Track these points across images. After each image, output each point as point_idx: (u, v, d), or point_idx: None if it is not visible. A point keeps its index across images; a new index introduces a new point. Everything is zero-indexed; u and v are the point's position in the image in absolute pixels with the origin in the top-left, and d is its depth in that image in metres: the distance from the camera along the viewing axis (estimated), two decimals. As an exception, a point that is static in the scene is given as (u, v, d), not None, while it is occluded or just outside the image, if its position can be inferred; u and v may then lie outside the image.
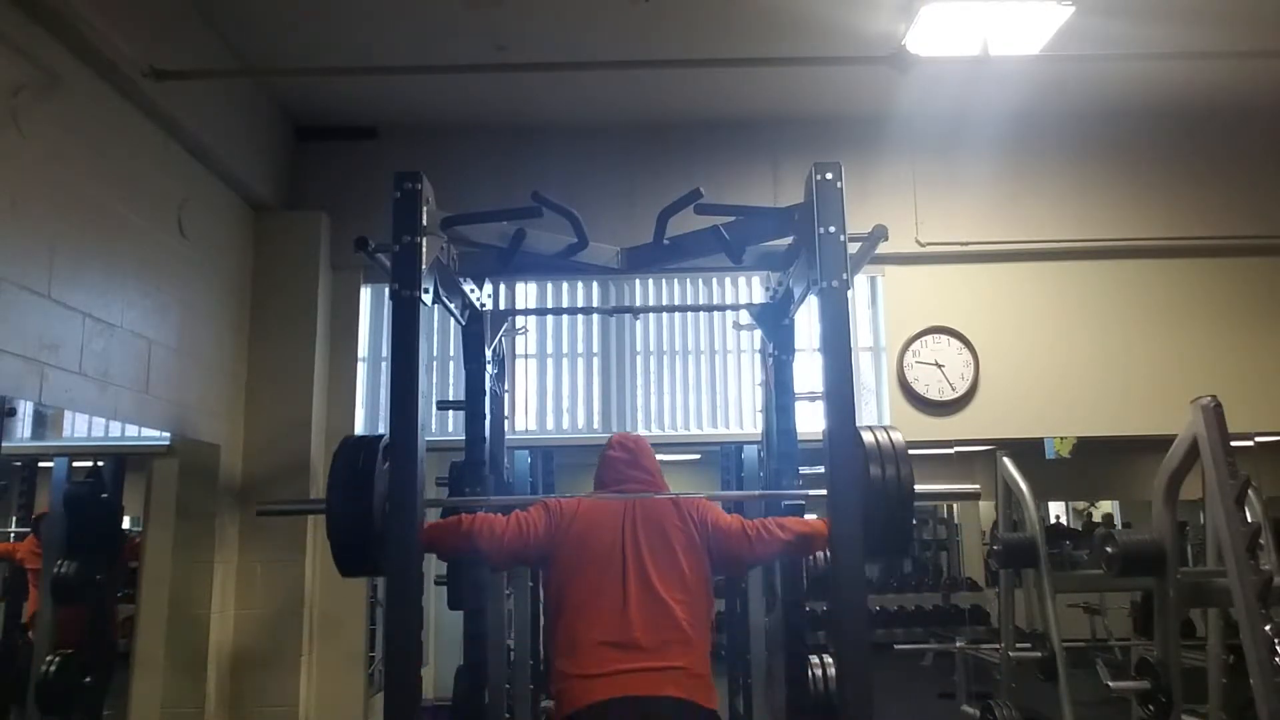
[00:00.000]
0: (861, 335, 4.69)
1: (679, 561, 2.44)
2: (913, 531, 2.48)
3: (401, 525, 2.21)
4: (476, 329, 3.15)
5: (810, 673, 2.88)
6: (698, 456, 6.64)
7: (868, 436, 2.47)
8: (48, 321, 2.90)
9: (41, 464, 4.07)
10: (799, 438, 3.10)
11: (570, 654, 2.37)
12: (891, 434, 2.49)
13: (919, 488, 2.43)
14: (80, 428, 3.88)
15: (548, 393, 4.68)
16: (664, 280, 4.71)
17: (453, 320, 3.13)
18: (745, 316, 3.63)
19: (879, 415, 4.59)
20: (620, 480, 2.64)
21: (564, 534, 2.48)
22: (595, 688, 2.29)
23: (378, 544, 2.37)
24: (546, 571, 2.53)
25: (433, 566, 3.28)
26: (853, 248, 2.39)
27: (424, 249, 2.33)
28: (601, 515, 2.51)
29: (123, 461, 4.14)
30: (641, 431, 4.62)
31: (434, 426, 4.42)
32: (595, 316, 4.67)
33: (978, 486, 2.88)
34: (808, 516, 2.74)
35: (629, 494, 2.57)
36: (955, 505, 8.49)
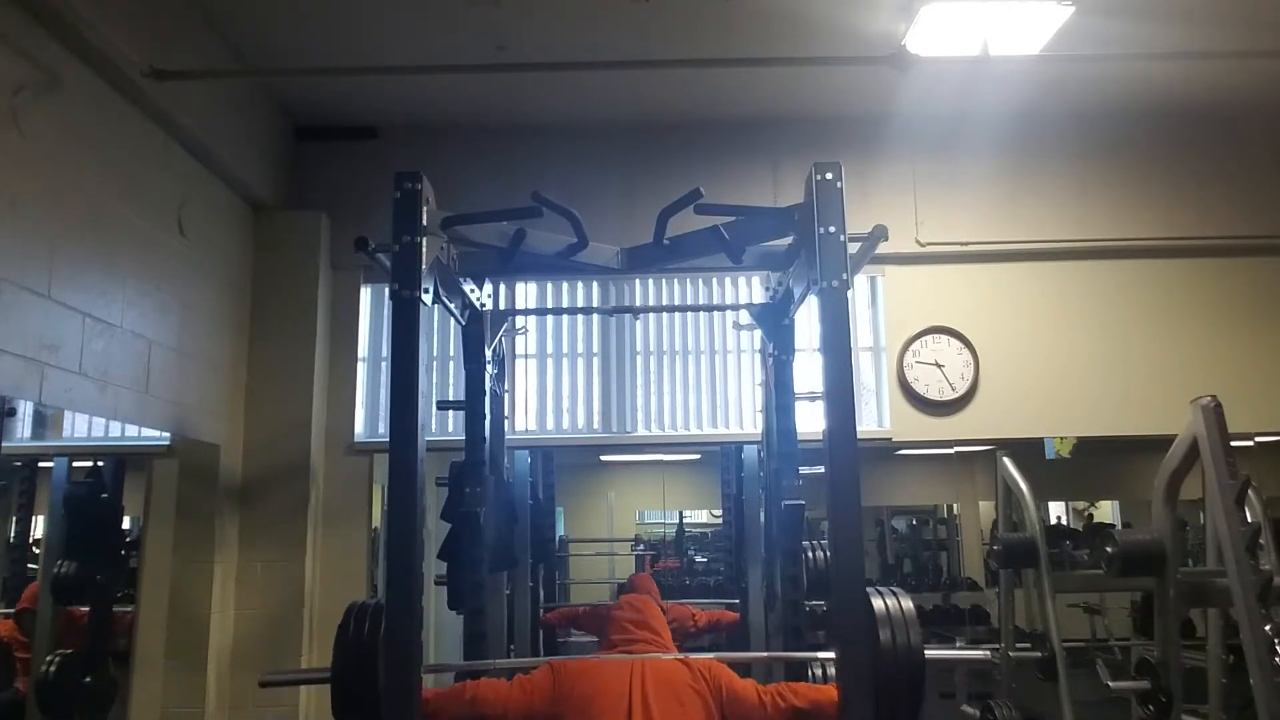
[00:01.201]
0: (861, 335, 4.69)
1: None
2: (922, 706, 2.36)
3: (402, 525, 2.21)
4: (476, 329, 3.15)
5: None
6: (698, 456, 6.64)
7: (878, 603, 2.29)
8: (48, 321, 2.90)
9: (41, 464, 4.08)
10: (799, 438, 3.10)
11: None
12: (902, 600, 2.31)
13: (930, 653, 2.30)
14: (80, 428, 3.88)
15: (548, 393, 4.68)
16: (664, 280, 4.71)
17: (453, 320, 3.13)
18: (745, 316, 3.64)
19: (879, 415, 4.59)
20: (628, 641, 2.63)
21: (569, 695, 2.45)
22: None
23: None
24: None
25: (433, 567, 3.27)
26: (853, 248, 2.38)
27: (424, 249, 2.33)
28: (608, 676, 2.48)
29: (123, 461, 4.14)
30: (641, 431, 4.63)
31: (434, 426, 4.42)
32: (595, 316, 4.67)
33: (987, 654, 2.79)
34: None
35: (637, 655, 2.55)
36: (955, 505, 8.49)
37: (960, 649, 3.01)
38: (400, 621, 2.14)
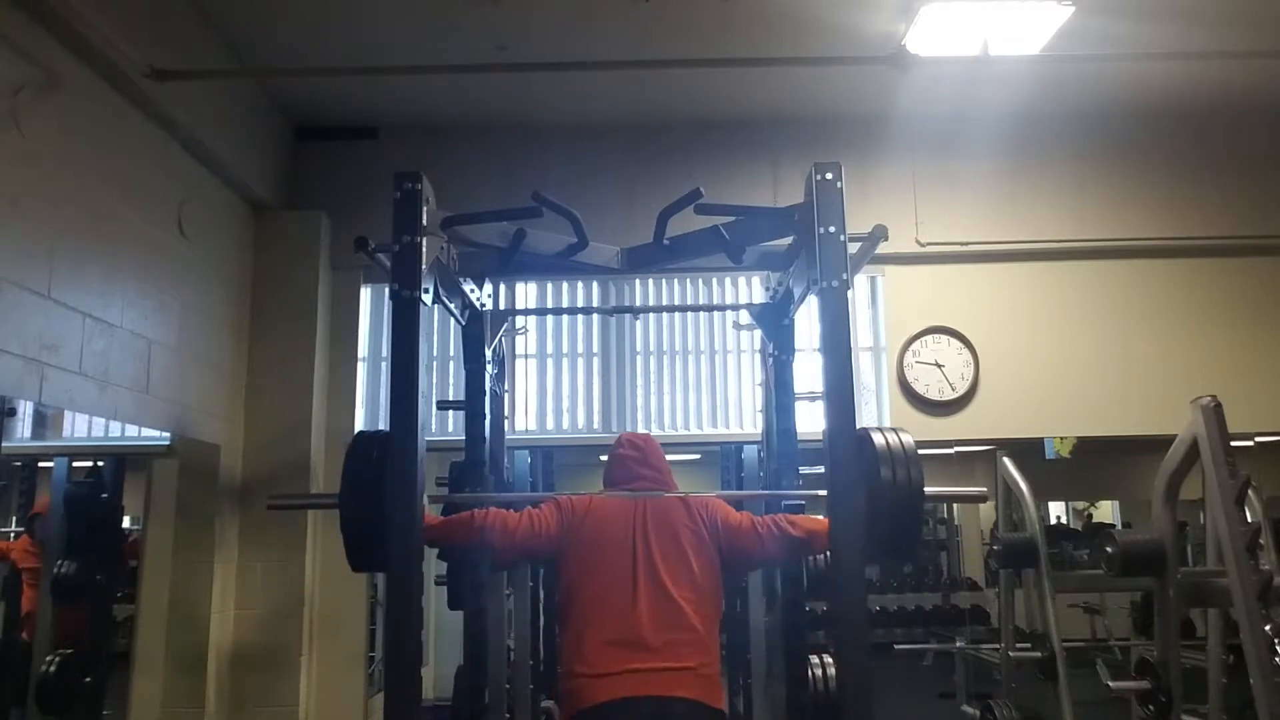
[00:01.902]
0: (861, 335, 4.69)
1: (689, 561, 2.44)
2: (921, 533, 2.46)
3: (402, 525, 2.21)
4: (476, 329, 3.15)
5: (810, 673, 2.88)
6: (698, 456, 6.64)
7: (878, 438, 2.44)
8: (48, 321, 2.90)
9: (41, 464, 4.07)
10: (799, 438, 3.10)
11: (578, 652, 2.37)
12: (902, 435, 2.46)
13: (927, 489, 2.41)
14: (80, 428, 3.88)
15: (548, 393, 4.68)
16: (664, 280, 4.71)
17: (453, 320, 3.13)
18: (745, 316, 3.63)
19: (879, 415, 4.59)
20: (631, 478, 2.65)
21: (575, 532, 2.49)
22: (604, 687, 2.29)
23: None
24: (555, 570, 2.53)
25: (433, 567, 3.28)
26: (853, 248, 2.39)
27: (424, 249, 2.33)
28: (612, 514, 2.51)
29: (123, 461, 4.14)
30: (641, 431, 4.62)
31: (434, 426, 4.42)
32: (595, 316, 4.67)
33: (984, 490, 2.87)
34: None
35: (640, 492, 2.58)
36: (955, 506, 8.49)
37: (956, 489, 3.08)
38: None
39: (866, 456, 2.39)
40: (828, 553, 2.74)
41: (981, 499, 2.84)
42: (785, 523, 2.53)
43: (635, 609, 2.35)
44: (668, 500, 2.55)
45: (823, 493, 2.40)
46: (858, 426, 2.30)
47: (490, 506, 2.60)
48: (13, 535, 4.13)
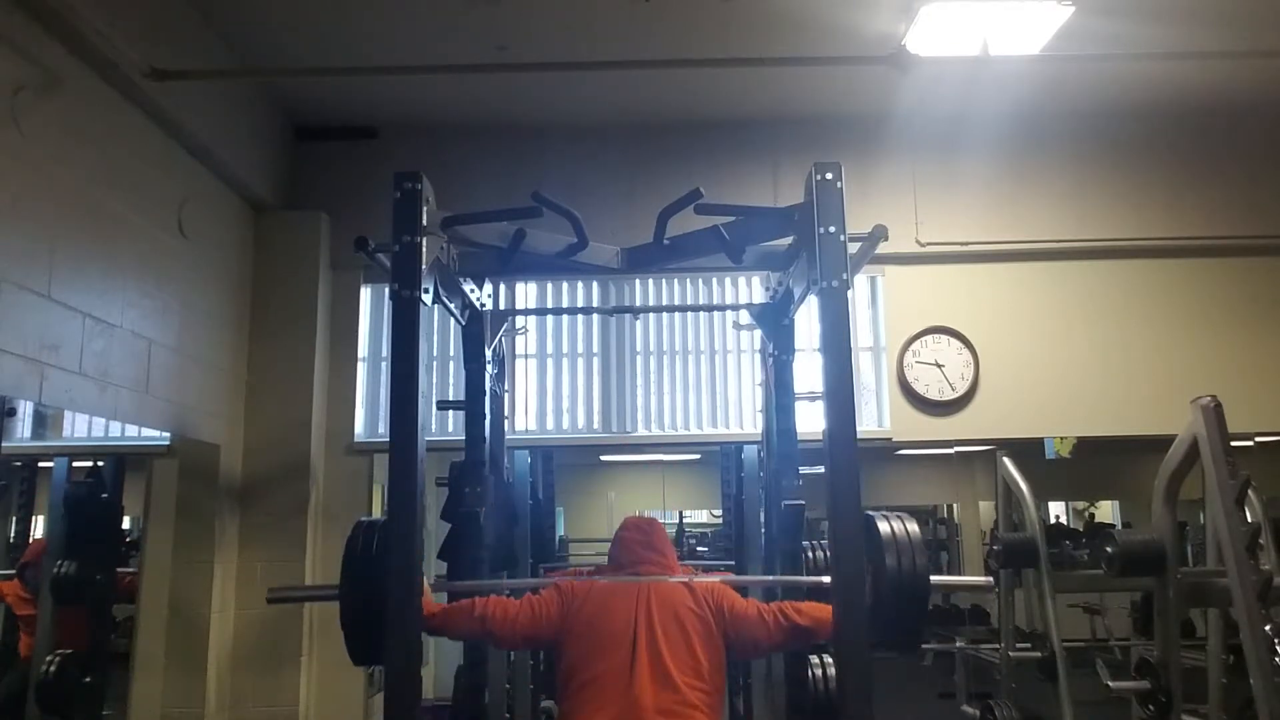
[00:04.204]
0: (861, 335, 4.69)
1: (694, 645, 2.43)
2: (926, 622, 2.41)
3: (402, 526, 2.20)
4: (476, 329, 3.15)
5: (810, 673, 2.87)
6: (698, 456, 6.65)
7: (883, 526, 2.39)
8: (48, 321, 2.90)
9: (41, 464, 4.08)
10: (799, 438, 3.10)
11: None
12: (907, 524, 2.41)
13: (933, 579, 2.38)
14: (80, 428, 3.89)
15: (548, 393, 4.68)
16: (664, 280, 4.71)
17: (453, 320, 3.13)
18: (745, 316, 3.63)
19: (879, 415, 4.59)
20: (635, 562, 2.63)
21: (576, 614, 2.48)
22: None
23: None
24: (558, 653, 2.51)
25: (433, 567, 3.28)
26: (853, 248, 2.38)
27: (424, 249, 2.33)
28: (614, 597, 2.50)
29: (123, 461, 4.15)
30: (641, 431, 4.63)
31: (434, 426, 4.42)
32: (595, 316, 4.67)
33: (991, 579, 2.82)
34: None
35: (643, 576, 2.56)
36: (955, 505, 8.49)
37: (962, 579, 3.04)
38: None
39: (871, 543, 2.35)
40: (827, 554, 2.74)
41: (988, 588, 2.82)
42: (792, 611, 2.51)
43: (634, 689, 2.34)
44: (673, 585, 2.53)
45: (826, 580, 2.37)
46: (863, 511, 2.24)
47: (491, 595, 2.58)
48: (11, 536, 4.13)
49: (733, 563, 4.67)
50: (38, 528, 4.15)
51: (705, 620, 2.48)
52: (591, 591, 2.52)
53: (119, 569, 4.11)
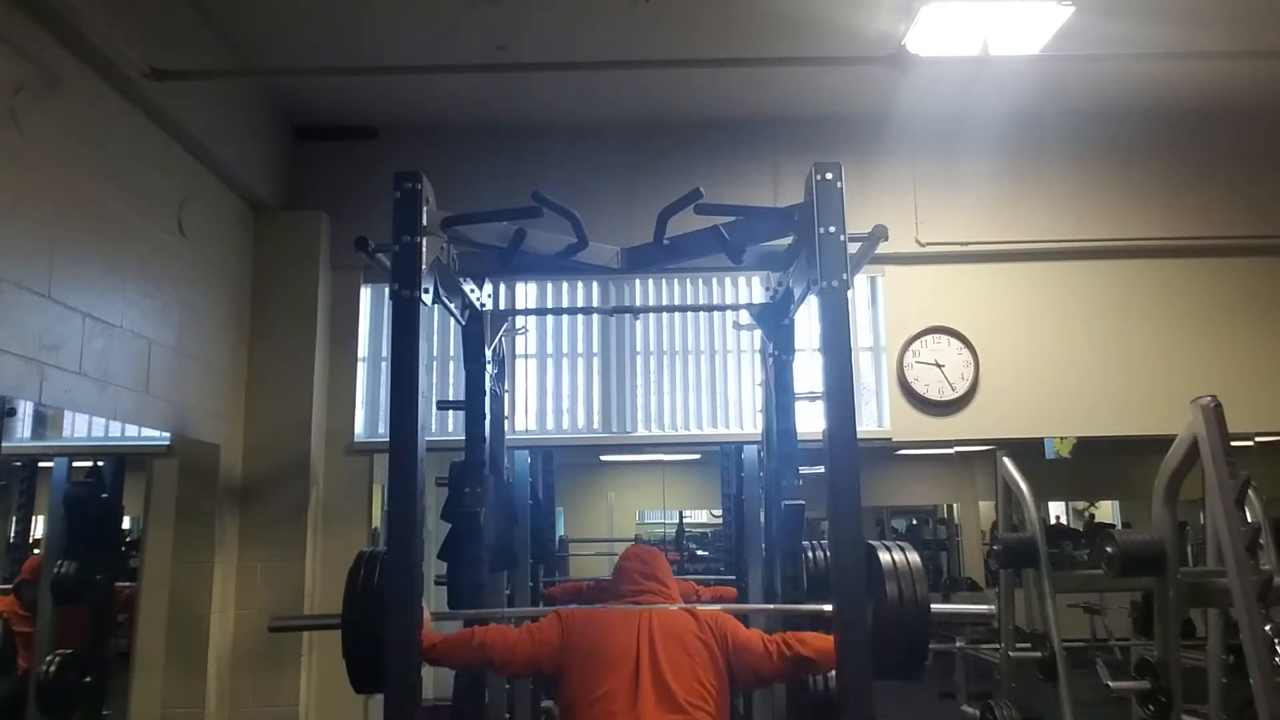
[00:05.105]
0: (861, 335, 4.69)
1: (697, 670, 2.44)
2: (928, 652, 2.40)
3: (402, 525, 2.20)
4: (476, 329, 3.15)
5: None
6: (698, 456, 6.63)
7: (884, 556, 2.38)
8: (48, 321, 2.90)
9: (41, 464, 4.07)
10: (799, 438, 3.10)
11: None
12: (909, 553, 2.42)
13: (934, 607, 2.38)
14: (80, 428, 3.88)
15: (548, 393, 4.68)
16: (664, 280, 4.71)
17: (453, 320, 3.13)
18: (745, 316, 3.63)
19: (879, 415, 4.59)
20: (636, 592, 2.64)
21: (577, 641, 2.48)
22: None
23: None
24: (560, 680, 2.51)
25: (433, 567, 3.27)
26: (853, 248, 2.38)
27: (424, 249, 2.33)
28: (615, 624, 2.51)
29: (123, 461, 4.14)
30: (641, 431, 4.63)
31: (434, 426, 4.42)
32: (595, 316, 4.67)
33: (993, 607, 2.84)
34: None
35: (644, 605, 2.57)
36: (955, 505, 8.48)
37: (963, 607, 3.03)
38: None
39: (872, 573, 2.35)
40: (827, 554, 2.74)
41: (989, 618, 2.83)
42: (795, 641, 2.51)
43: (638, 709, 2.34)
44: (675, 613, 2.54)
45: (828, 607, 2.36)
46: (865, 541, 2.23)
47: (492, 623, 2.58)
48: (12, 535, 4.12)
49: (733, 576, 4.68)
50: (37, 528, 4.14)
51: (709, 646, 2.48)
52: (593, 618, 2.52)
53: (118, 582, 4.10)
